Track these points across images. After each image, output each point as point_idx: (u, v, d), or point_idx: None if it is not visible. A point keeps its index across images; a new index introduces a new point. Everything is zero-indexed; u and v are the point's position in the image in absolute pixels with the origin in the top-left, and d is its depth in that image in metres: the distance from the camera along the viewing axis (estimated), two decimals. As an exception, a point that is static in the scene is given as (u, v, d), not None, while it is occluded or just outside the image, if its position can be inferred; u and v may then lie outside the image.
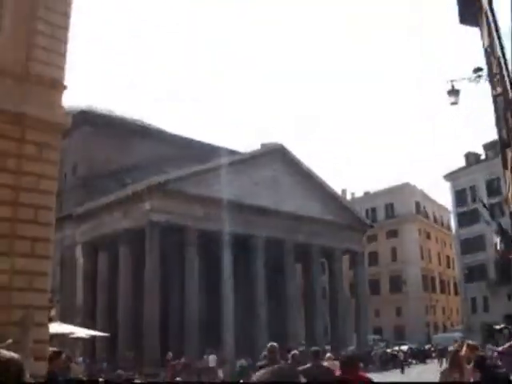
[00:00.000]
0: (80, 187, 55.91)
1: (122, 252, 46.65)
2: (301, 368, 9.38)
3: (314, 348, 10.63)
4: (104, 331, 46.58)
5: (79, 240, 52.42)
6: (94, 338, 47.60)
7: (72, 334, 20.53)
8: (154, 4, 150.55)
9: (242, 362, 37.03)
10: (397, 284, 79.63)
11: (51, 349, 12.00)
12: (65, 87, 13.62)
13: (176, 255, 47.77)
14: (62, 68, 13.43)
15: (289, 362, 10.71)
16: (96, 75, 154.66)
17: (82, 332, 20.97)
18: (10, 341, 8.66)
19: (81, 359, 39.47)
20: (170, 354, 32.45)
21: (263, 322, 48.86)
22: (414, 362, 49.76)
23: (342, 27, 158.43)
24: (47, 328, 12.46)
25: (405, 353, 47.93)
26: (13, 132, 12.54)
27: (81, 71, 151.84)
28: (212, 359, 36.16)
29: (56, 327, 19.60)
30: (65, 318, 52.02)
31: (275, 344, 10.49)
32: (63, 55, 13.49)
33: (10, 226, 12.15)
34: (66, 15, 13.85)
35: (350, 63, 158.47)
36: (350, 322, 60.10)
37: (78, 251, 52.65)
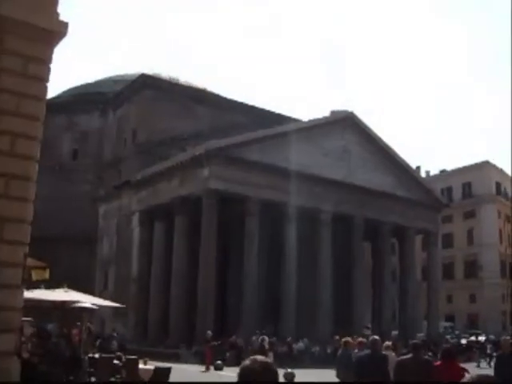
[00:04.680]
0: (140, 154, 53.58)
1: (177, 222, 43.95)
2: (400, 358, 10.69)
3: (415, 341, 11.24)
4: (158, 303, 44.70)
5: (136, 208, 50.13)
6: (145, 310, 45.98)
7: (76, 303, 17.60)
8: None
9: (300, 345, 34.05)
10: (472, 269, 74.39)
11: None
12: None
13: (235, 227, 44.82)
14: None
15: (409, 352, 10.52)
16: (159, 41, 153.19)
17: (88, 301, 17.96)
18: None
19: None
20: (210, 333, 29.44)
21: (327, 303, 45.42)
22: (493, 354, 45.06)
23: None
24: (19, 292, 9.36)
25: (482, 344, 43.42)
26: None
27: (144, 37, 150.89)
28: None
29: (62, 294, 16.85)
30: (120, 288, 50.41)
31: (377, 337, 11.24)
32: None
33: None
34: None
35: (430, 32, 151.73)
36: (421, 308, 56.02)
37: (135, 220, 50.36)
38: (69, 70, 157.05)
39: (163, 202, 45.78)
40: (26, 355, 12.24)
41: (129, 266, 49.75)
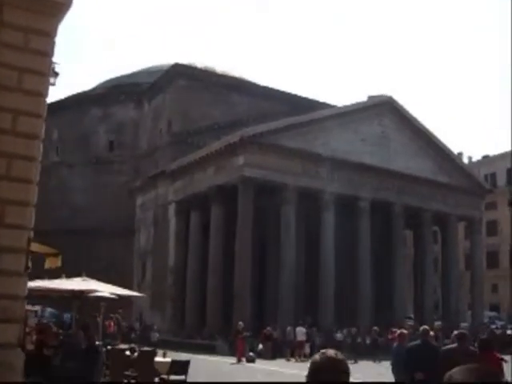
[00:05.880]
0: (175, 144, 53.14)
1: (213, 211, 43.33)
2: (445, 348, 10.45)
3: (461, 331, 10.85)
4: (195, 294, 44.21)
5: (172, 198, 49.70)
6: (182, 301, 45.49)
7: (94, 292, 16.95)
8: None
9: (339, 335, 33.17)
10: (518, 257, 72.30)
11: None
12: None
13: (272, 216, 43.92)
14: None
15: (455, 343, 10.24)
16: (195, 31, 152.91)
17: (106, 290, 17.23)
18: None
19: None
20: (241, 324, 28.71)
21: (367, 293, 44.36)
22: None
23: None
24: (21, 280, 8.68)
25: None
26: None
27: (180, 27, 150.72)
28: (300, 332, 32.02)
29: (79, 283, 16.27)
30: (157, 279, 50.16)
31: (427, 327, 11.12)
32: None
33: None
34: None
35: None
36: (464, 297, 54.54)
37: (172, 210, 49.91)
38: (104, 62, 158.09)
39: (199, 192, 45.23)
40: (30, 347, 11.67)
41: (166, 257, 49.37)
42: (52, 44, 9.55)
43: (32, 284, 12.48)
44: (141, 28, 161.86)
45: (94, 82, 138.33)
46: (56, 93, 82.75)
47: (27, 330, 11.85)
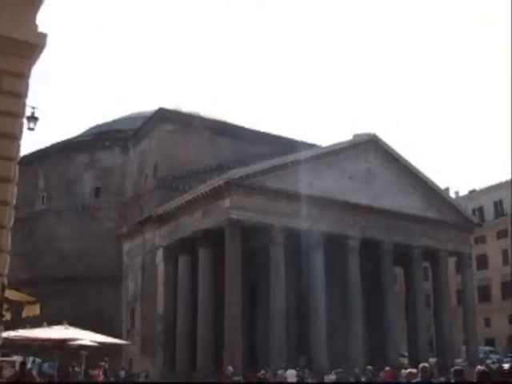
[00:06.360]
0: (161, 188, 52.93)
1: (201, 256, 42.95)
2: None
3: (457, 368, 11.22)
4: (185, 340, 43.55)
5: (160, 243, 49.27)
6: (173, 347, 44.78)
7: (74, 340, 16.49)
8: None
9: (331, 377, 32.50)
10: (509, 289, 72.03)
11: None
12: (41, 1, 9.60)
13: (262, 257, 43.53)
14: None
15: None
16: (178, 76, 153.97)
17: (88, 338, 16.77)
18: None
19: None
20: (230, 369, 28.08)
21: (359, 332, 43.84)
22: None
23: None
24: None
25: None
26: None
27: (166, 73, 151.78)
28: (290, 375, 31.39)
29: (60, 332, 15.85)
30: (147, 326, 49.45)
31: (427, 365, 11.16)
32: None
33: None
34: None
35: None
36: (458, 333, 54.05)
37: (159, 255, 49.44)
38: (87, 110, 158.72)
39: (186, 236, 44.87)
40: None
41: (155, 303, 48.73)
42: (26, 85, 9.40)
43: (12, 333, 12.11)
44: (118, 72, 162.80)
45: (77, 129, 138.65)
46: (41, 140, 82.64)
47: (2, 381, 11.45)
